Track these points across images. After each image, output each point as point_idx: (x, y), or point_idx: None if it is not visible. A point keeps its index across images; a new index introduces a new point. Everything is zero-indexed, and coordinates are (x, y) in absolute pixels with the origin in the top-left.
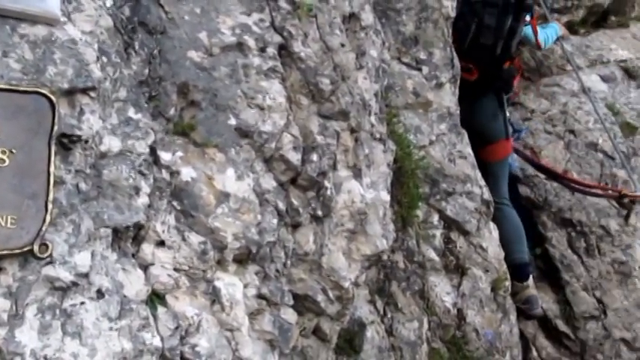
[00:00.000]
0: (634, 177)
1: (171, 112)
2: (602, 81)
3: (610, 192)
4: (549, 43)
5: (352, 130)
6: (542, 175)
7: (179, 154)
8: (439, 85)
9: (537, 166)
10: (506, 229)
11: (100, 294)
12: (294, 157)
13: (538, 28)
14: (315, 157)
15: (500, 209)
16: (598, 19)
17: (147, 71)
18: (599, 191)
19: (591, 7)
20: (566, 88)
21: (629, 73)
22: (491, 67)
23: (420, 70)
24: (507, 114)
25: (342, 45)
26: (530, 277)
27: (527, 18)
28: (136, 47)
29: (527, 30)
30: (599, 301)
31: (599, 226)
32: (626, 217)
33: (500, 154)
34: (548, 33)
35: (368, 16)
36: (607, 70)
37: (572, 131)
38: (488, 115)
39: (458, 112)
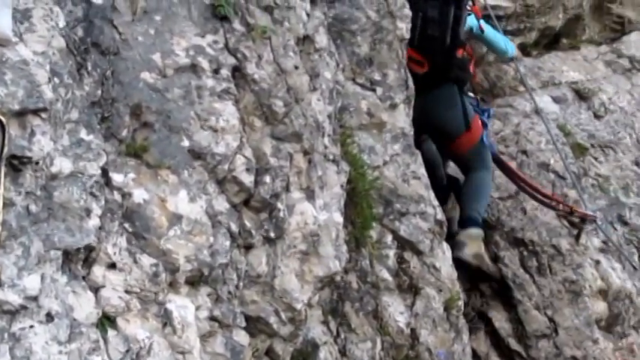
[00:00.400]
0: (584, 197)
1: (124, 133)
2: (554, 102)
3: (561, 206)
4: (499, 40)
5: (305, 152)
6: (495, 195)
7: (131, 175)
8: (393, 106)
9: (501, 164)
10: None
11: (50, 317)
12: (247, 179)
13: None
14: (268, 178)
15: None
16: (550, 42)
17: (99, 92)
18: (553, 203)
19: (544, 30)
20: (519, 108)
21: (579, 95)
22: (443, 58)
23: (374, 90)
24: (466, 103)
25: (296, 67)
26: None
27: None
28: (89, 68)
29: (471, 19)
30: (551, 319)
31: (551, 245)
32: (577, 237)
33: (469, 143)
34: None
35: (322, 39)
36: (559, 92)
37: (524, 152)
38: (444, 107)
39: (412, 132)
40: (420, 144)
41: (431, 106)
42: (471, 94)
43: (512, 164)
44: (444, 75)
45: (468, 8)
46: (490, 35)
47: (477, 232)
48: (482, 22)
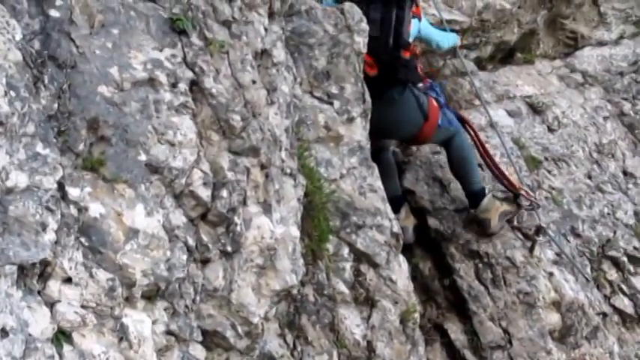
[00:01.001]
0: (538, 210)
1: (81, 147)
2: (509, 116)
3: (510, 184)
4: (443, 38)
5: (262, 166)
6: (450, 207)
7: (88, 189)
8: (350, 120)
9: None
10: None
11: (4, 333)
12: (204, 193)
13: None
14: (225, 193)
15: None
16: (505, 56)
17: (56, 106)
18: (504, 181)
19: (499, 44)
20: (474, 122)
21: (533, 109)
22: (389, 59)
23: (331, 104)
24: (418, 94)
25: (254, 82)
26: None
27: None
28: (46, 81)
29: (415, 22)
30: (505, 331)
31: (505, 257)
32: (531, 249)
33: (431, 129)
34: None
35: (280, 53)
36: (513, 105)
37: (479, 164)
38: (398, 110)
39: (368, 145)
40: (377, 152)
41: (386, 110)
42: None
43: None
44: (393, 76)
45: (413, 10)
46: (432, 33)
47: (486, 202)
48: (423, 21)
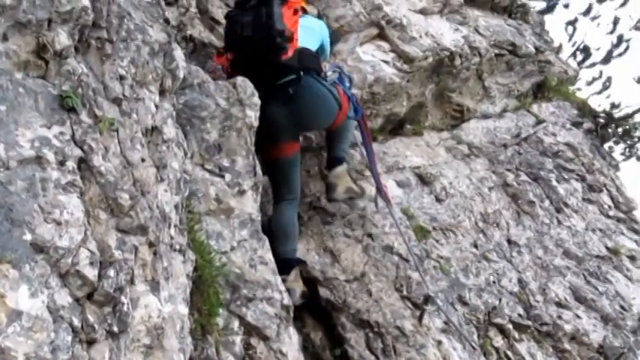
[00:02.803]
0: (426, 278)
1: None
2: (398, 186)
3: (379, 184)
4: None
5: (151, 244)
6: (341, 277)
7: None
8: (241, 192)
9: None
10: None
11: None
12: (91, 273)
13: None
14: (112, 272)
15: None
16: (395, 127)
17: None
18: (374, 174)
19: (389, 116)
20: (365, 192)
21: (422, 179)
22: (276, 58)
23: (222, 177)
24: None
25: (143, 160)
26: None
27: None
28: None
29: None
30: None
31: (395, 326)
32: (420, 318)
33: (342, 116)
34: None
35: (170, 130)
36: (402, 176)
37: (369, 235)
38: (314, 103)
39: (259, 218)
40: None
41: (297, 108)
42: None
43: (358, 247)
44: (291, 68)
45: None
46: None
47: (342, 168)
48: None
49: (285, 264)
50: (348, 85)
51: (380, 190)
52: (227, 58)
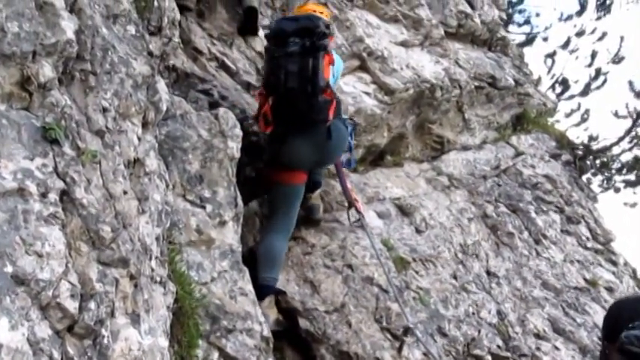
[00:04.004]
0: (406, 310)
1: None
2: (379, 217)
3: (349, 198)
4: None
5: (132, 277)
6: (321, 308)
7: None
8: (222, 223)
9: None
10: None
11: None
12: (72, 305)
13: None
14: (93, 305)
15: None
16: (375, 158)
17: None
18: (346, 190)
19: (369, 147)
20: (345, 224)
21: (402, 210)
22: (309, 105)
23: (204, 207)
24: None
25: (125, 192)
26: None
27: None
28: None
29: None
30: None
31: (375, 358)
32: (399, 349)
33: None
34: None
35: (152, 162)
36: (383, 207)
37: (349, 266)
38: (333, 139)
39: (240, 249)
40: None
41: (325, 147)
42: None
43: (338, 278)
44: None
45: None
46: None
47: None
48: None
49: (263, 290)
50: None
51: (351, 203)
52: (268, 105)
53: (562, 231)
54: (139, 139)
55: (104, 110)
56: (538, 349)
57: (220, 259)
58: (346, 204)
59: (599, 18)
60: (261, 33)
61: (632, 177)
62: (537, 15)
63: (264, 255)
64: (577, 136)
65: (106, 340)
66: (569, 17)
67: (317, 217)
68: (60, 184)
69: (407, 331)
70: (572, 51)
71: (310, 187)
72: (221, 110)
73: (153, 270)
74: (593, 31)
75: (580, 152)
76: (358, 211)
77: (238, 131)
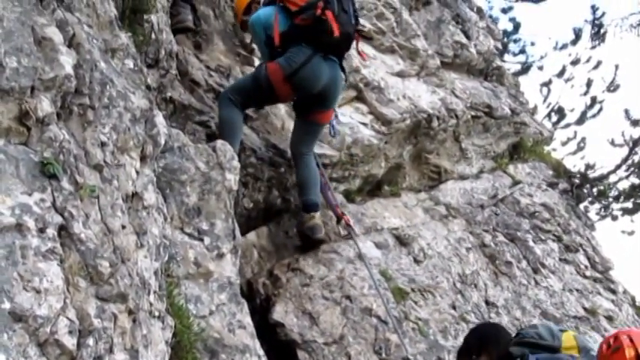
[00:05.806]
0: (405, 341)
1: None
2: (376, 247)
3: (336, 211)
4: None
5: (130, 312)
6: (320, 340)
7: None
8: (220, 256)
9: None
10: (306, 174)
11: None
12: (70, 342)
13: None
14: (91, 341)
15: (305, 159)
16: (373, 189)
17: None
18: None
19: (367, 177)
20: (343, 254)
21: (400, 240)
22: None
23: (202, 240)
24: None
25: (123, 227)
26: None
27: None
28: None
29: None
30: None
31: None
32: None
33: (330, 116)
34: None
35: (150, 196)
36: (381, 238)
37: (348, 297)
38: (336, 80)
39: (238, 281)
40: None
41: (325, 75)
42: None
43: (337, 309)
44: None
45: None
46: None
47: (319, 213)
48: None
49: (314, 204)
50: None
51: (338, 217)
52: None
53: (560, 260)
54: (138, 172)
55: (102, 144)
56: None
57: (218, 291)
58: (335, 219)
59: (593, 47)
60: None
61: (629, 205)
62: (532, 44)
63: (308, 178)
64: (574, 164)
65: None
66: (564, 46)
67: (318, 237)
68: (58, 219)
69: None
70: (568, 80)
71: (307, 207)
72: (219, 142)
73: (151, 304)
74: (588, 60)
75: (577, 180)
76: (348, 224)
77: (236, 163)
